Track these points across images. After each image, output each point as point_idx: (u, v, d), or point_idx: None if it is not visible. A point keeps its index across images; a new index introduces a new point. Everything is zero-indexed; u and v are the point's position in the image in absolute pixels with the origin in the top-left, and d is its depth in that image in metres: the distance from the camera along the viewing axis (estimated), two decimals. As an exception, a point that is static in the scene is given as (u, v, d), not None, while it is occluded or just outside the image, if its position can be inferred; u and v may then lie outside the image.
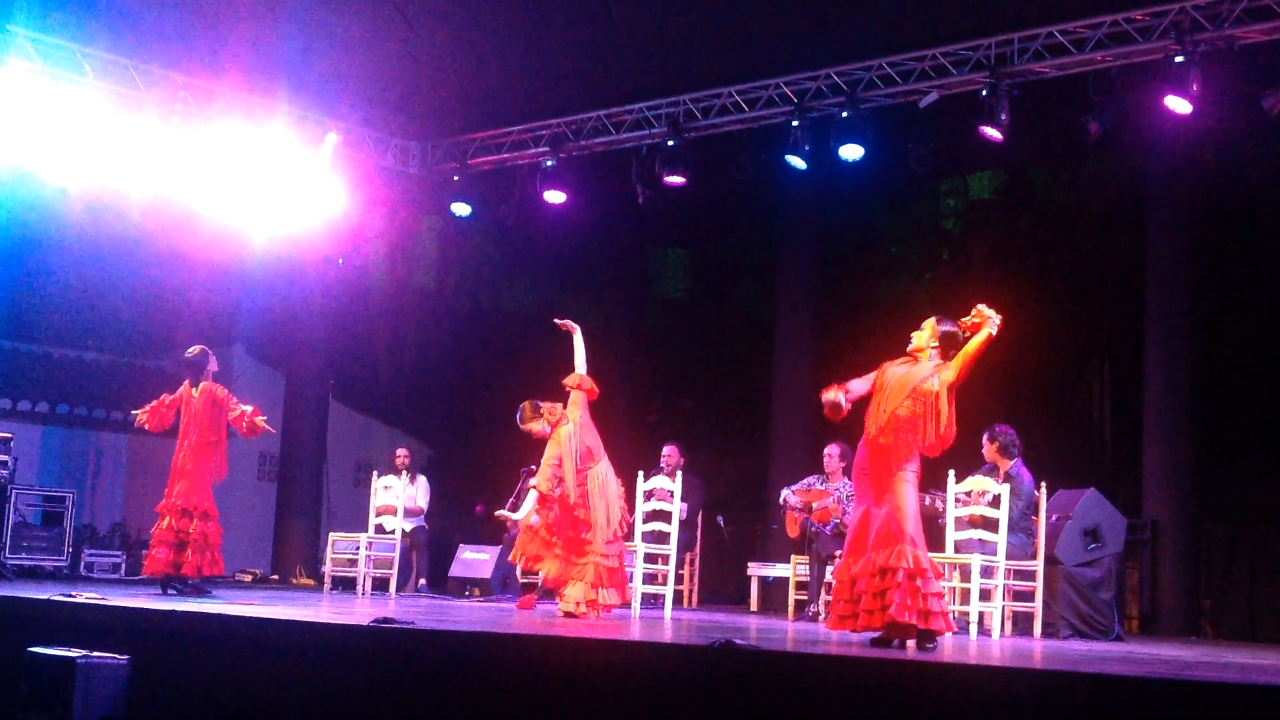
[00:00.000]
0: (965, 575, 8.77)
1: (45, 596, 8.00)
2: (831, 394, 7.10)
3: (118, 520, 15.70)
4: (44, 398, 15.48)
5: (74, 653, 6.43)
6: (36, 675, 6.54)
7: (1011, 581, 9.05)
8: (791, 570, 11.13)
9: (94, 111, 11.86)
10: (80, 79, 11.82)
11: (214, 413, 10.13)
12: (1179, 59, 10.20)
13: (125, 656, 6.53)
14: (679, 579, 11.47)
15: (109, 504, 16.80)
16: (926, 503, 9.76)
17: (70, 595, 8.00)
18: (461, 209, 13.89)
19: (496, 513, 9.95)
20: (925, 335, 7.21)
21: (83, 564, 13.42)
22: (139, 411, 10.36)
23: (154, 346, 17.18)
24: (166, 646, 6.90)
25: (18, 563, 12.61)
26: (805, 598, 10.96)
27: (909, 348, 7.25)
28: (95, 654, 6.46)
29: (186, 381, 10.33)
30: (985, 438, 9.57)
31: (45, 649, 6.61)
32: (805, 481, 11.15)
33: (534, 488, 9.16)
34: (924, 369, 7.11)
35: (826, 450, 11.04)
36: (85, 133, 11.82)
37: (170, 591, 9.75)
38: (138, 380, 16.91)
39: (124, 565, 13.60)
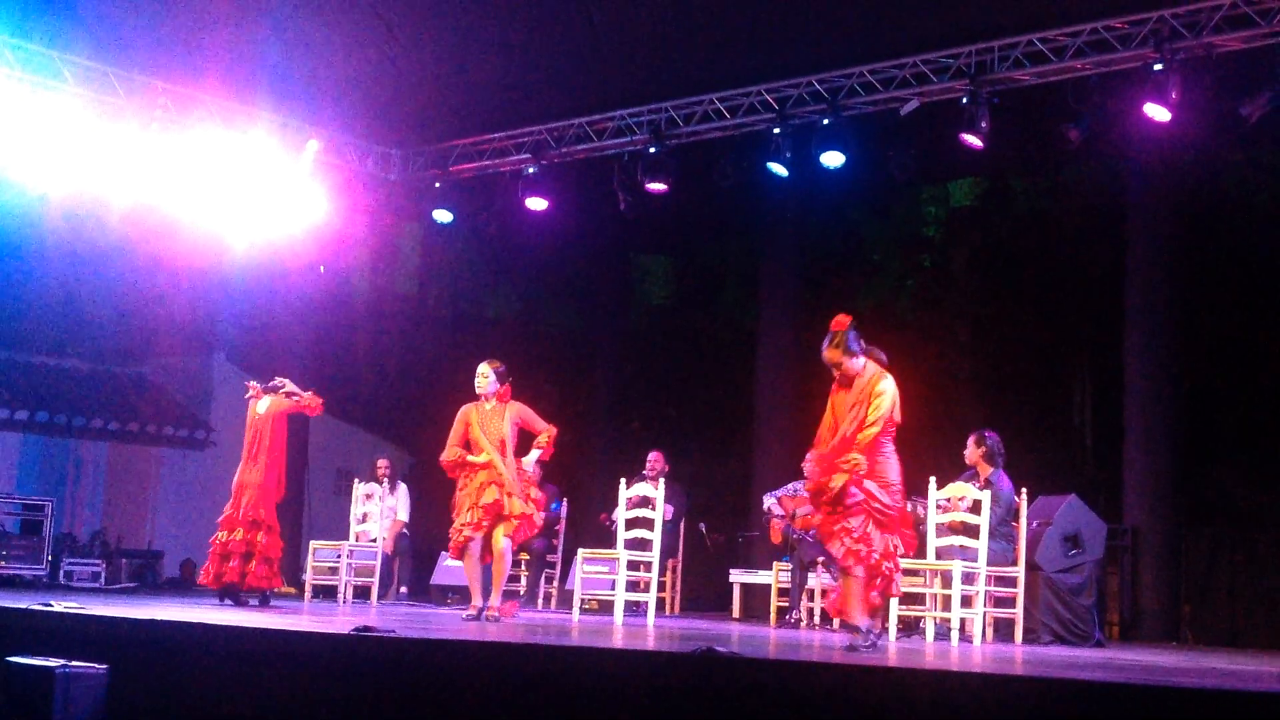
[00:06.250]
0: (946, 581, 8.78)
1: (24, 606, 7.95)
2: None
3: (97, 529, 15.63)
4: (23, 405, 15.40)
5: (53, 662, 6.38)
6: (15, 685, 6.49)
7: (992, 587, 9.07)
8: (774, 577, 11.13)
9: (74, 118, 11.82)
10: (60, 86, 11.78)
11: (281, 429, 10.25)
12: (1158, 67, 10.24)
13: (104, 666, 6.48)
14: (661, 586, 11.47)
15: (88, 512, 16.72)
16: (908, 509, 9.78)
17: (49, 604, 7.95)
18: (443, 216, 13.86)
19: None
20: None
21: (62, 573, 13.35)
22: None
23: (134, 354, 17.13)
24: (146, 656, 6.86)
25: (-4, 572, 12.54)
26: (787, 604, 10.96)
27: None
28: (74, 663, 6.41)
29: (258, 398, 10.31)
30: (973, 440, 9.54)
31: (24, 659, 6.56)
32: (789, 487, 11.16)
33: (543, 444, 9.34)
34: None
35: (809, 456, 11.03)
36: (65, 140, 11.77)
37: (226, 601, 9.87)
38: (118, 388, 16.86)
39: (103, 574, 13.54)
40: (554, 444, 9.39)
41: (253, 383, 10.52)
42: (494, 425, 9.25)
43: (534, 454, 9.32)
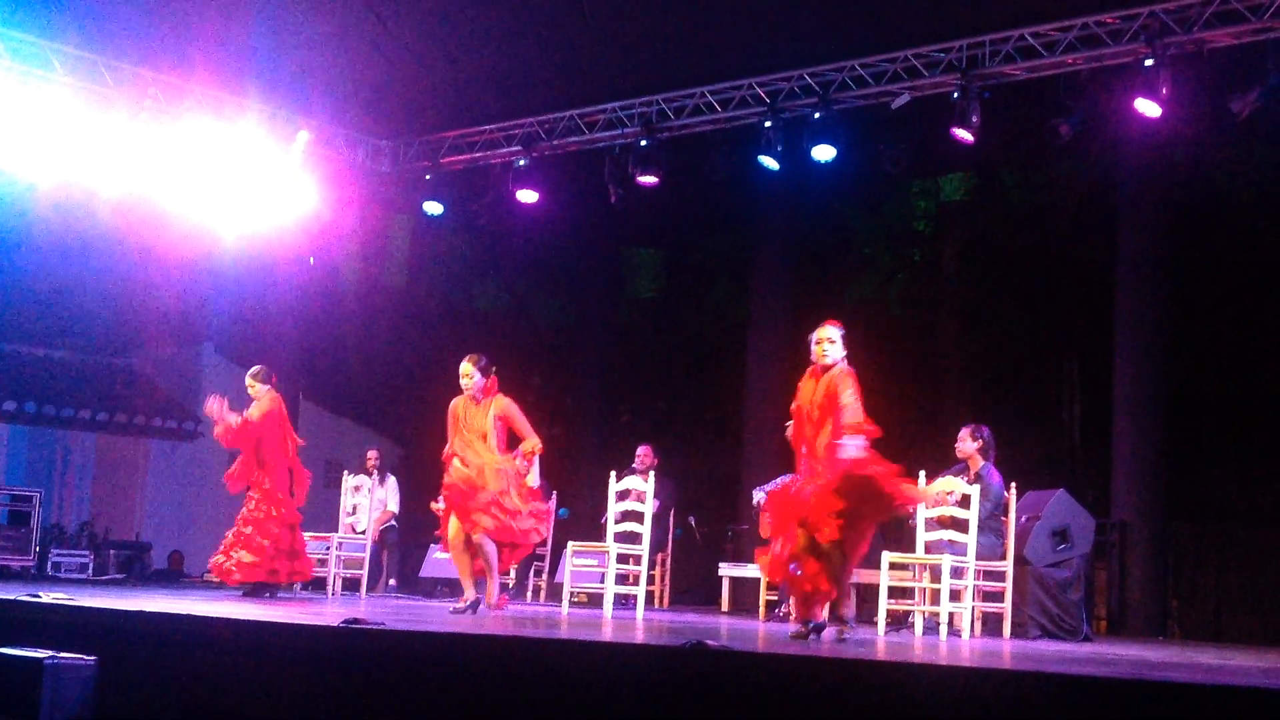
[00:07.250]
0: (935, 576, 8.80)
1: (12, 597, 7.93)
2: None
3: (85, 520, 15.61)
4: (11, 396, 15.37)
5: (41, 654, 6.37)
6: (3, 676, 6.47)
7: (981, 582, 9.08)
8: (762, 570, 11.12)
9: (63, 108, 11.76)
10: (49, 75, 11.73)
11: (282, 430, 10.37)
12: (1149, 62, 10.25)
13: (93, 657, 6.47)
14: (650, 579, 11.47)
15: (77, 503, 16.69)
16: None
17: (37, 595, 7.94)
18: (433, 208, 13.84)
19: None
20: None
21: (50, 564, 13.33)
22: None
23: (123, 345, 17.11)
24: (135, 647, 6.85)
25: (-16, 563, 12.51)
26: (776, 598, 10.96)
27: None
28: (63, 655, 6.40)
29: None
30: (968, 433, 9.52)
31: (12, 650, 6.55)
32: (777, 481, 11.14)
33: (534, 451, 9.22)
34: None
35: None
36: (55, 130, 11.72)
37: (267, 596, 10.00)
38: (107, 379, 16.83)
39: (91, 565, 13.51)
40: (530, 459, 9.29)
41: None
42: (476, 419, 9.23)
43: (517, 463, 9.23)
